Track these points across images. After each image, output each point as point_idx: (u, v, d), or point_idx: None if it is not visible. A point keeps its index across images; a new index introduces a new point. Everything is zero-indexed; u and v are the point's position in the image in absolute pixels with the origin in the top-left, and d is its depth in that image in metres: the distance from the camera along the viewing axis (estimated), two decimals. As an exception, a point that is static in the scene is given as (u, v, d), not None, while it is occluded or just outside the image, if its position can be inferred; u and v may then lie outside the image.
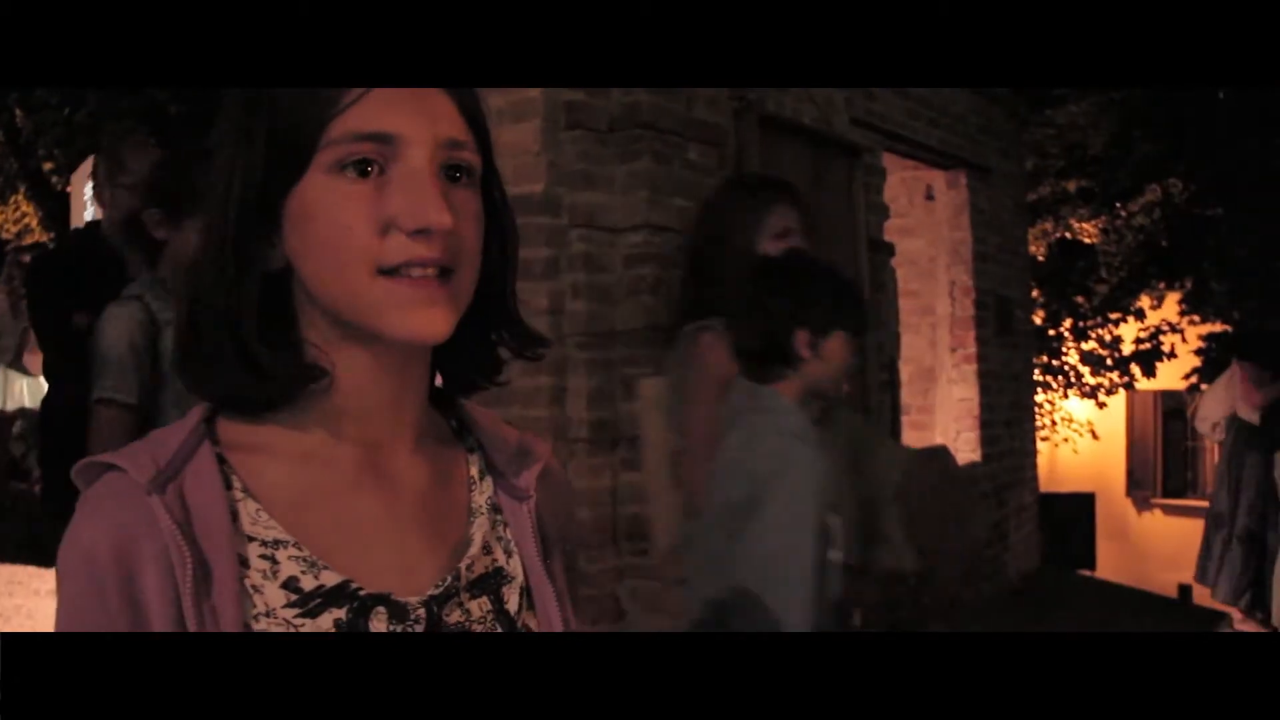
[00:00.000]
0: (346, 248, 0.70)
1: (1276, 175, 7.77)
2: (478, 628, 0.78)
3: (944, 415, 5.69)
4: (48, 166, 9.44)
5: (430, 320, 0.71)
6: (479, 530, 0.81)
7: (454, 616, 0.77)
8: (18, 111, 8.71)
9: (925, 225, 5.67)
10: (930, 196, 5.66)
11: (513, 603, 0.81)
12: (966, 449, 5.60)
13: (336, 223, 0.70)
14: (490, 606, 0.79)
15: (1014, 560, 5.97)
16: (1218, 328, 9.26)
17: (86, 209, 9.07)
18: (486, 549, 0.81)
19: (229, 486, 0.73)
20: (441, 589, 0.76)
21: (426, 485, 0.80)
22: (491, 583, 0.80)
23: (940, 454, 5.32)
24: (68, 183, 9.93)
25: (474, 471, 0.85)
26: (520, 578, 0.82)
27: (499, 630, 0.79)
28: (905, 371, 5.10)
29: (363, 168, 0.70)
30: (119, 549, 0.68)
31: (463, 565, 0.78)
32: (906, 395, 5.27)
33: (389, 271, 0.70)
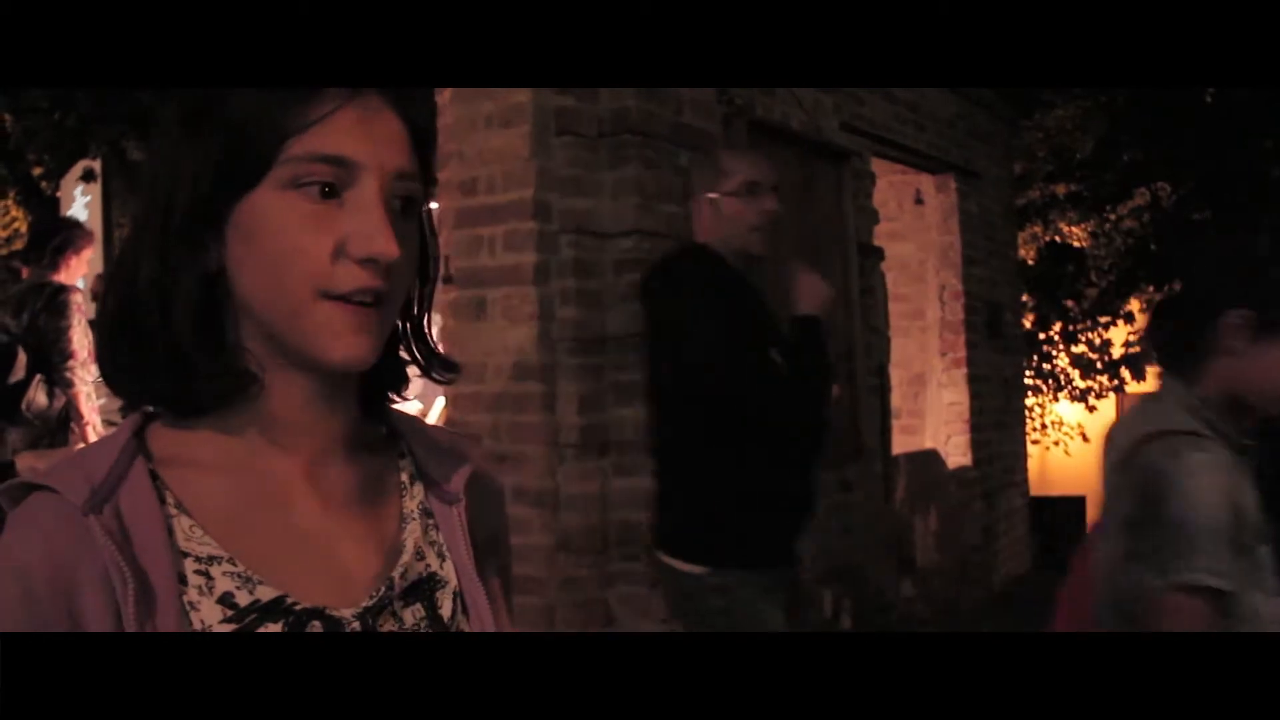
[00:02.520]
0: (295, 268, 0.70)
1: (1264, 178, 7.81)
2: None
3: (934, 419, 5.70)
4: (37, 171, 9.42)
5: (358, 346, 0.72)
6: (411, 536, 0.82)
7: (387, 626, 0.77)
8: (7, 117, 8.68)
9: (914, 229, 5.69)
10: (919, 201, 5.68)
11: (446, 608, 0.81)
12: (957, 453, 5.61)
13: (288, 242, 0.70)
14: (424, 613, 0.79)
15: (1004, 564, 5.98)
16: (1206, 331, 9.28)
17: (73, 212, 9.05)
18: (420, 554, 0.81)
19: (162, 502, 0.72)
20: (376, 599, 0.76)
21: (359, 494, 0.80)
22: (425, 589, 0.80)
23: (931, 458, 5.33)
24: (57, 188, 9.91)
25: (404, 477, 0.85)
26: (453, 582, 0.82)
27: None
28: (895, 376, 5.11)
29: (321, 189, 0.70)
30: (56, 570, 0.68)
31: (396, 574, 0.78)
32: (896, 399, 5.28)
33: (335, 296, 0.71)
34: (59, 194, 9.81)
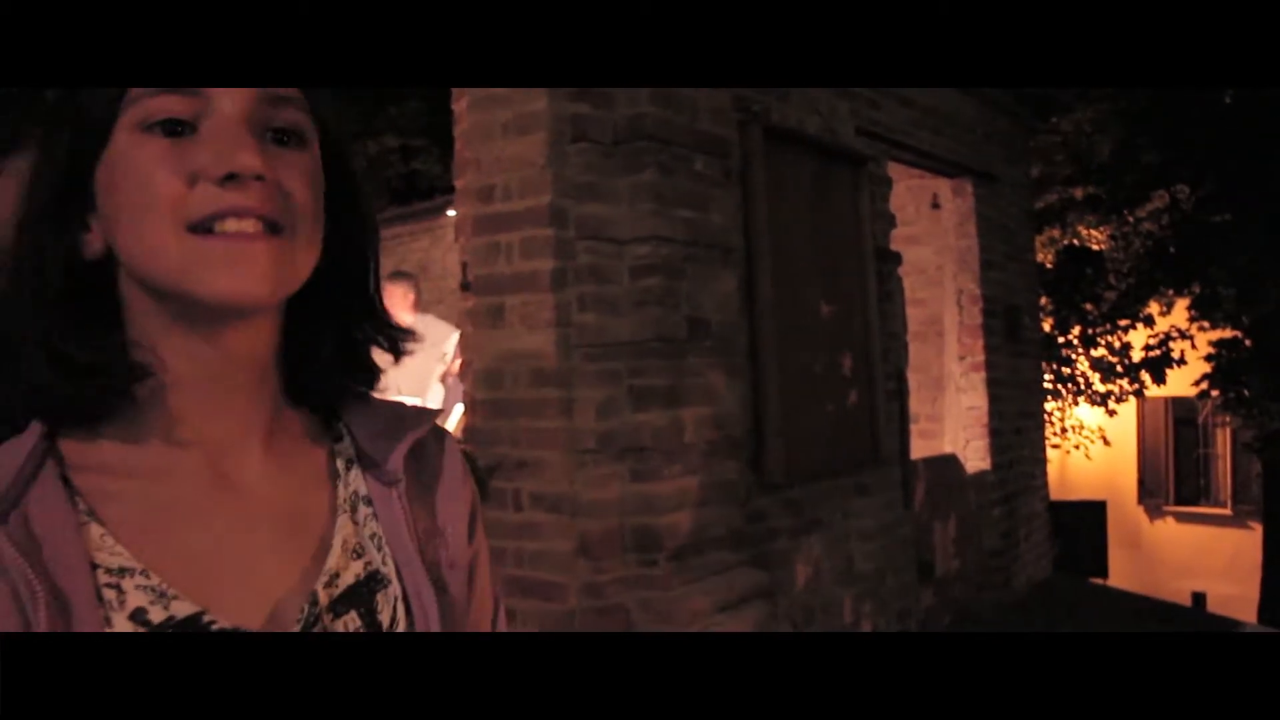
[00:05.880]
0: (151, 204, 0.65)
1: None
2: None
3: (953, 424, 5.68)
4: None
5: (245, 279, 0.65)
6: (340, 533, 0.74)
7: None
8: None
9: (932, 234, 5.68)
10: (936, 205, 5.67)
11: (385, 613, 0.73)
12: (976, 457, 5.59)
13: (141, 179, 0.65)
14: (359, 623, 0.72)
15: (1025, 569, 5.95)
16: (1227, 333, 9.24)
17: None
18: (357, 552, 0.74)
19: (74, 509, 0.66)
20: (301, 621, 0.69)
21: (284, 491, 0.73)
22: (363, 593, 0.73)
23: (949, 463, 5.32)
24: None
25: (340, 463, 0.77)
26: (394, 579, 0.74)
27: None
28: (913, 380, 5.10)
29: (172, 127, 0.66)
30: None
31: (319, 586, 0.71)
32: (915, 404, 5.27)
33: (201, 229, 0.65)
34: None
